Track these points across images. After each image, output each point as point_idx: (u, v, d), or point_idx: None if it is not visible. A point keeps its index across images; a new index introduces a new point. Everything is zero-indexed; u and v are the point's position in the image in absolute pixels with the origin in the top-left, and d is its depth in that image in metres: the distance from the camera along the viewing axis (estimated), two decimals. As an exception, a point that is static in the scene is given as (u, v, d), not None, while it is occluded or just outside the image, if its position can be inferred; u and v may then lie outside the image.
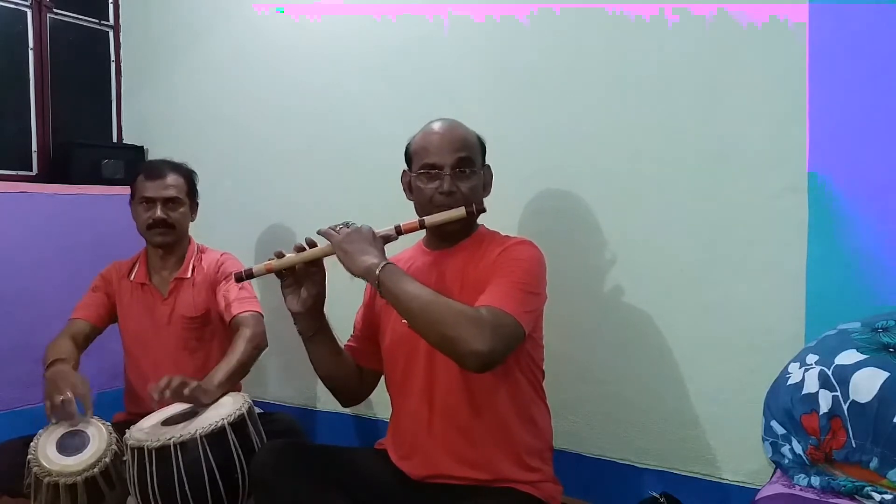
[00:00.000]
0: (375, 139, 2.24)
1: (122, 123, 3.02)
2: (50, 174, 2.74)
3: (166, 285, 2.09)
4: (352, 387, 1.60)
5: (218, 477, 1.56)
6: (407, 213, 1.55)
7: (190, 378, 1.69)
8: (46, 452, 1.66)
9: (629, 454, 1.84)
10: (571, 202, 1.87)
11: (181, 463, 1.53)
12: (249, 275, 1.46)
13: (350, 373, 1.58)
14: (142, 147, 2.92)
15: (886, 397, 0.98)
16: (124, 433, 1.65)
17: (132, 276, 2.11)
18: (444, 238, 1.53)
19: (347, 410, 2.04)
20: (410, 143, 1.55)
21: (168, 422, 1.65)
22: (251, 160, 2.60)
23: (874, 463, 0.99)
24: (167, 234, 2.04)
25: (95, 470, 1.64)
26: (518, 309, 1.31)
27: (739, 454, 1.67)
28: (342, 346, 1.59)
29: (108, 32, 2.99)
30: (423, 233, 1.56)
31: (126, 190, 2.15)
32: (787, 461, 1.11)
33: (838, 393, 1.02)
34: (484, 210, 1.48)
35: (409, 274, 1.38)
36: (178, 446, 1.54)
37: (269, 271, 1.43)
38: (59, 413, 1.72)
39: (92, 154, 2.77)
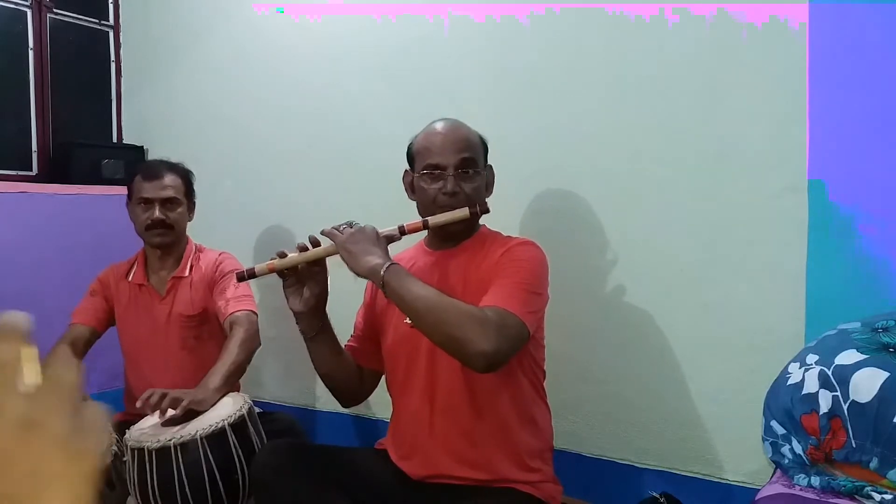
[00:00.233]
0: (375, 139, 2.24)
1: (122, 123, 3.02)
2: (50, 174, 2.74)
3: (164, 285, 2.08)
4: (352, 387, 1.60)
5: (218, 478, 1.56)
6: (408, 213, 1.55)
7: (179, 390, 1.69)
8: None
9: (629, 454, 1.84)
10: (572, 202, 1.87)
11: (181, 464, 1.53)
12: (252, 274, 1.46)
13: (351, 373, 1.58)
14: (142, 147, 2.92)
15: (886, 397, 0.98)
16: (124, 433, 1.65)
17: (130, 277, 2.11)
18: (446, 238, 1.53)
19: (347, 410, 2.03)
20: (413, 144, 1.55)
21: (168, 422, 1.65)
22: (251, 160, 2.60)
23: (874, 463, 0.99)
24: (166, 235, 2.03)
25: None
26: (522, 309, 1.31)
27: (739, 454, 1.68)
28: (343, 346, 1.59)
29: (108, 32, 2.99)
30: (424, 233, 1.56)
31: (126, 190, 2.15)
32: (787, 461, 1.11)
33: (838, 393, 1.02)
34: (487, 210, 1.48)
35: (411, 273, 1.38)
36: (178, 447, 1.54)
37: (271, 271, 1.43)
38: None
39: (92, 154, 2.77)
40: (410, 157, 1.55)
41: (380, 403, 2.14)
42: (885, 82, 1.47)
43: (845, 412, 1.01)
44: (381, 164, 2.09)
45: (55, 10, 2.79)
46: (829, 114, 1.52)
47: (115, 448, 1.70)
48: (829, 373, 1.05)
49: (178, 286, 2.07)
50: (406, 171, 1.58)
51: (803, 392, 1.07)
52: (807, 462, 1.07)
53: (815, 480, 1.04)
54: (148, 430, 1.63)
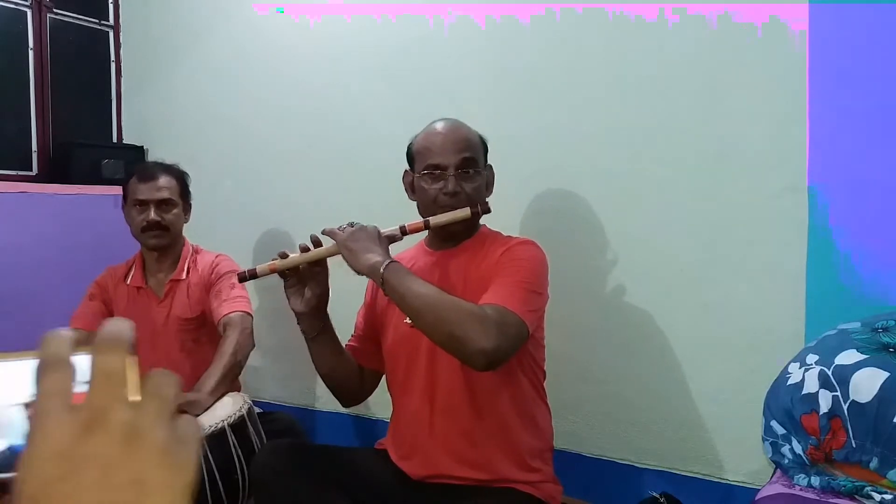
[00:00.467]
0: (375, 139, 2.24)
1: (122, 123, 3.02)
2: (50, 174, 2.74)
3: (162, 287, 2.08)
4: (353, 387, 1.60)
5: (218, 478, 1.56)
6: (408, 213, 1.55)
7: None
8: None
9: (629, 454, 1.84)
10: (572, 202, 1.87)
11: (181, 463, 1.53)
12: (253, 275, 1.46)
13: (351, 373, 1.58)
14: (142, 147, 2.92)
15: (886, 397, 0.98)
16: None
17: (128, 280, 2.10)
18: (447, 238, 1.53)
19: (347, 410, 2.03)
20: (413, 144, 1.55)
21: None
22: (251, 160, 2.60)
23: (874, 463, 0.99)
24: (162, 237, 2.03)
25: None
26: (522, 308, 1.32)
27: (739, 454, 1.68)
28: (344, 346, 1.59)
29: (108, 32, 2.99)
30: (425, 233, 1.56)
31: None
32: (787, 461, 1.11)
33: (838, 393, 1.02)
34: (488, 210, 1.48)
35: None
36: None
37: (272, 271, 1.43)
38: None
39: (92, 154, 2.77)
40: (410, 157, 1.55)
41: (379, 403, 2.14)
42: (885, 82, 1.47)
43: (845, 412, 1.01)
44: (382, 165, 2.09)
45: (55, 10, 2.79)
46: (829, 114, 1.52)
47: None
48: (829, 373, 1.05)
49: (176, 289, 2.07)
50: (406, 171, 1.58)
51: (803, 392, 1.07)
52: (807, 462, 1.07)
53: (815, 480, 1.05)
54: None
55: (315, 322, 1.48)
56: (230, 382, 1.88)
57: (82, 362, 0.37)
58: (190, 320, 2.05)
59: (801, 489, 1.06)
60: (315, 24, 2.40)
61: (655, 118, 1.75)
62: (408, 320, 1.39)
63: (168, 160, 2.15)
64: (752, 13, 1.61)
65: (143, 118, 2.97)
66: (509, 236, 1.55)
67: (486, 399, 1.45)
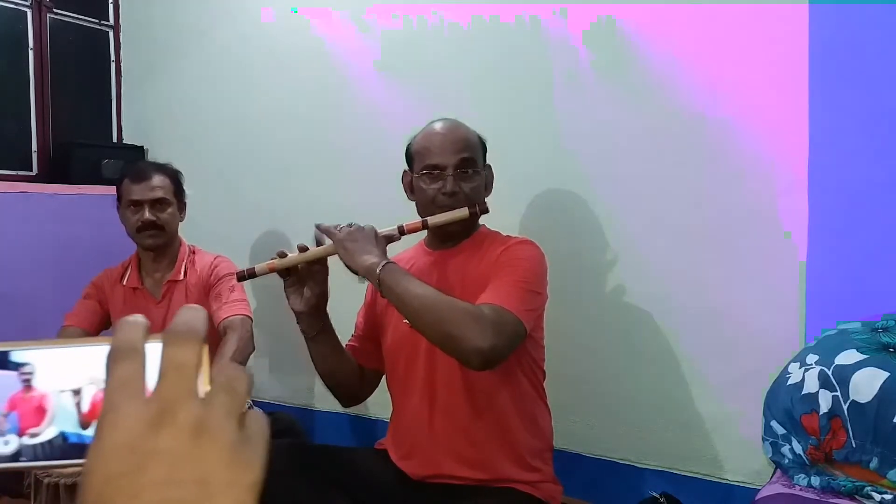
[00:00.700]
0: (376, 139, 2.24)
1: (122, 123, 3.02)
2: (50, 174, 2.74)
3: (159, 288, 2.08)
4: (353, 386, 1.60)
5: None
6: (407, 213, 1.55)
7: None
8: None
9: (629, 454, 1.84)
10: (571, 202, 1.87)
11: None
12: (252, 274, 1.46)
13: (351, 372, 1.58)
14: (142, 147, 2.92)
15: (886, 397, 0.98)
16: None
17: (124, 281, 2.10)
18: (445, 238, 1.53)
19: (347, 410, 2.03)
20: (412, 144, 1.55)
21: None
22: (251, 160, 2.59)
23: (874, 463, 0.99)
24: (157, 237, 2.02)
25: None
26: (519, 307, 1.31)
27: (739, 454, 1.67)
28: (344, 346, 1.59)
29: (108, 32, 2.98)
30: (424, 233, 1.56)
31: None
32: (787, 461, 1.11)
33: (838, 393, 1.02)
34: (487, 210, 1.48)
35: (410, 273, 1.38)
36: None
37: (271, 270, 1.43)
38: None
39: (92, 154, 2.77)
40: (409, 157, 1.55)
41: (379, 403, 2.14)
42: (885, 82, 1.47)
43: (845, 412, 1.01)
44: (381, 165, 2.09)
45: (55, 10, 2.79)
46: (829, 114, 1.52)
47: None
48: (829, 373, 1.04)
49: (174, 290, 2.06)
50: (405, 171, 1.58)
51: (803, 392, 1.07)
52: (807, 462, 1.07)
53: (815, 480, 1.04)
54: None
55: (315, 321, 1.48)
56: None
57: (154, 352, 0.36)
58: None
59: (801, 489, 1.06)
60: (315, 25, 2.40)
61: (655, 117, 1.75)
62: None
63: (168, 160, 2.15)
64: (753, 13, 1.61)
65: (143, 118, 2.97)
66: (508, 236, 1.55)
67: (486, 399, 1.45)
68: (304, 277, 1.45)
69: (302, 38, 2.43)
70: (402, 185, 1.60)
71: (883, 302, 1.44)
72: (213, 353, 2.05)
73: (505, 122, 1.94)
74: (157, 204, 2.01)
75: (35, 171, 2.73)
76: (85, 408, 0.41)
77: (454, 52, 2.09)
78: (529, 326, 1.35)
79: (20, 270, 2.48)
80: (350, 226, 1.40)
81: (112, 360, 0.36)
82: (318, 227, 1.42)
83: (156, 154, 2.68)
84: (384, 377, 1.62)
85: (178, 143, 2.73)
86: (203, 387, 0.36)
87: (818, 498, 1.03)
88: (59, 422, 0.41)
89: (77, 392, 0.41)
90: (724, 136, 1.66)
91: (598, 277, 1.85)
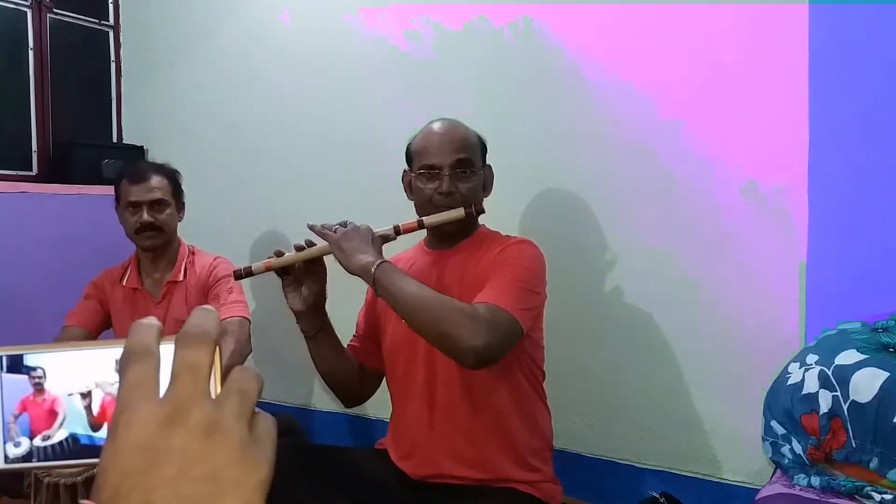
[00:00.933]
0: (376, 139, 2.24)
1: (122, 123, 3.02)
2: (50, 174, 2.74)
3: (159, 289, 2.08)
4: (354, 386, 1.60)
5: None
6: (407, 214, 1.55)
7: None
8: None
9: (629, 454, 1.84)
10: (572, 202, 1.87)
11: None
12: (249, 273, 1.46)
13: (352, 372, 1.58)
14: (142, 147, 2.92)
15: (886, 397, 0.98)
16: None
17: (124, 282, 2.09)
18: (443, 238, 1.53)
19: (346, 410, 2.03)
20: (411, 144, 1.55)
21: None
22: (251, 160, 2.60)
23: (874, 463, 0.99)
24: (156, 237, 2.02)
25: (95, 470, 1.64)
26: (515, 306, 1.31)
27: (739, 454, 1.67)
28: (344, 346, 1.59)
29: (108, 32, 2.99)
30: (424, 233, 1.56)
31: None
32: (787, 461, 1.11)
33: (838, 393, 1.02)
34: (483, 211, 1.48)
35: (410, 274, 1.38)
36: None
37: (268, 269, 1.43)
38: None
39: (92, 154, 2.77)
40: (408, 156, 1.55)
41: (379, 403, 2.13)
42: (885, 82, 1.47)
43: (845, 412, 1.01)
44: (382, 165, 2.09)
45: (55, 10, 2.79)
46: (829, 114, 1.52)
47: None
48: (829, 373, 1.04)
49: (174, 290, 2.06)
50: (405, 171, 1.58)
51: (803, 392, 1.07)
52: (807, 462, 1.07)
53: (815, 480, 1.04)
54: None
55: (314, 321, 1.48)
56: None
57: (166, 353, 0.37)
58: None
59: (801, 489, 1.06)
60: (314, 25, 2.40)
61: (655, 117, 1.75)
62: (404, 320, 1.38)
63: (168, 160, 2.15)
64: (752, 13, 1.61)
65: (143, 118, 2.97)
66: (508, 236, 1.55)
67: (486, 399, 1.45)
68: (302, 276, 1.45)
69: (302, 38, 2.43)
70: (402, 186, 1.60)
71: (883, 302, 1.44)
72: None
73: (505, 121, 1.94)
74: (155, 205, 2.01)
75: (35, 171, 2.73)
76: (95, 410, 0.42)
77: (455, 53, 2.09)
78: (526, 326, 1.34)
79: (20, 270, 2.48)
80: (345, 225, 1.40)
81: (126, 362, 0.37)
82: (310, 227, 1.42)
83: (156, 154, 2.68)
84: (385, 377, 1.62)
85: (178, 143, 2.73)
86: (215, 388, 0.37)
87: (818, 498, 1.03)
88: (70, 424, 0.42)
89: (87, 395, 0.42)
90: (725, 135, 1.66)
91: (597, 278, 1.85)
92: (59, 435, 0.42)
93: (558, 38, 1.89)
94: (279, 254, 1.44)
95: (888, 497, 0.97)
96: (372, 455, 1.58)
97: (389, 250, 1.44)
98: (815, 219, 1.54)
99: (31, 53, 2.71)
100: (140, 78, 2.97)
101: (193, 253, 2.13)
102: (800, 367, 1.11)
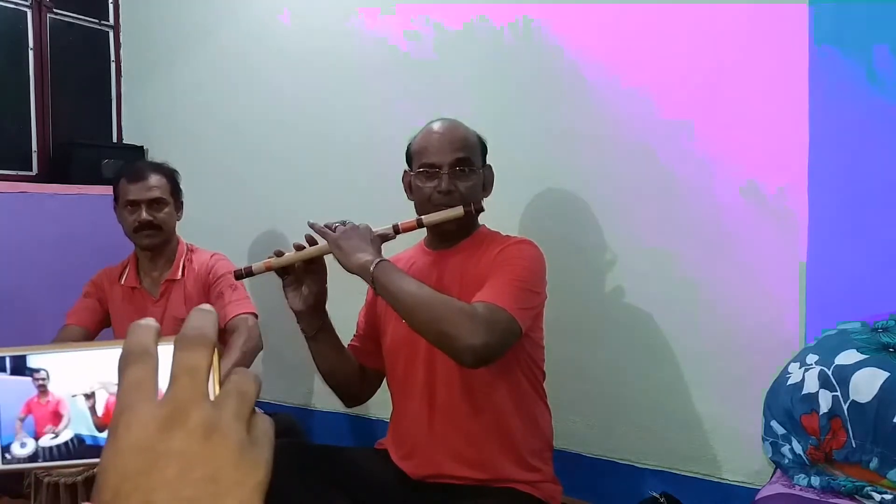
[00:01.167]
0: (376, 139, 2.24)
1: (122, 123, 3.02)
2: (50, 174, 2.74)
3: (157, 287, 2.08)
4: (354, 386, 1.60)
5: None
6: (406, 214, 1.55)
7: None
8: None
9: (629, 454, 1.84)
10: (572, 202, 1.87)
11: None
12: (249, 272, 1.46)
13: (353, 372, 1.58)
14: (142, 147, 2.92)
15: (886, 397, 0.98)
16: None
17: (123, 281, 2.10)
18: (443, 237, 1.53)
19: (346, 410, 2.03)
20: (411, 143, 1.55)
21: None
22: (251, 160, 2.60)
23: (874, 463, 0.99)
24: (155, 236, 2.02)
25: (95, 470, 1.64)
26: (514, 305, 1.31)
27: (739, 454, 1.67)
28: (345, 346, 1.59)
29: (108, 32, 2.99)
30: (424, 233, 1.56)
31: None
32: (787, 461, 1.11)
33: (838, 393, 1.02)
34: (482, 209, 1.48)
35: (410, 273, 1.39)
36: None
37: (268, 269, 1.44)
38: None
39: (92, 154, 2.77)
40: (409, 156, 1.56)
41: (379, 403, 2.14)
42: (884, 82, 1.46)
43: (845, 412, 1.01)
44: (381, 165, 2.09)
45: (55, 10, 2.79)
46: (829, 114, 1.52)
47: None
48: (829, 373, 1.04)
49: (172, 289, 2.06)
50: (405, 171, 1.58)
51: (803, 392, 1.07)
52: (807, 462, 1.07)
53: (815, 480, 1.04)
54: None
55: (314, 321, 1.48)
56: None
57: (165, 354, 0.37)
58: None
59: (801, 489, 1.06)
60: (314, 25, 2.40)
61: (655, 118, 1.75)
62: (403, 320, 1.38)
63: (168, 160, 2.15)
64: (752, 13, 1.61)
65: (143, 118, 2.97)
66: (508, 236, 1.55)
67: (486, 399, 1.45)
68: (302, 276, 1.45)
69: (302, 38, 2.43)
70: (401, 186, 1.60)
71: (883, 302, 1.44)
72: (222, 352, 2.07)
73: (505, 121, 1.94)
74: (154, 203, 2.01)
75: (35, 171, 2.73)
76: (100, 411, 0.42)
77: (455, 53, 2.09)
78: (525, 325, 1.34)
79: (20, 270, 2.48)
80: (344, 224, 1.40)
81: (125, 363, 0.37)
82: (311, 225, 1.42)
83: (156, 154, 2.68)
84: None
85: (178, 143, 2.73)
86: (214, 389, 0.38)
87: (818, 498, 1.03)
88: (75, 425, 0.42)
89: (90, 396, 0.42)
90: (725, 135, 1.66)
91: (597, 278, 1.85)
92: (64, 435, 0.42)
93: (558, 38, 1.89)
94: (279, 253, 1.44)
95: (888, 497, 0.97)
96: (372, 455, 1.58)
97: (389, 250, 1.44)
98: (815, 219, 1.54)
99: (31, 53, 2.71)
100: (140, 78, 2.97)
101: (192, 251, 2.13)
102: (800, 367, 1.11)
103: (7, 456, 0.42)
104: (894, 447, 0.97)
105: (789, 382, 1.11)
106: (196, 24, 2.75)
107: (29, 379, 0.42)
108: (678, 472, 1.76)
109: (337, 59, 2.34)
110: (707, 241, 1.69)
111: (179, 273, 2.07)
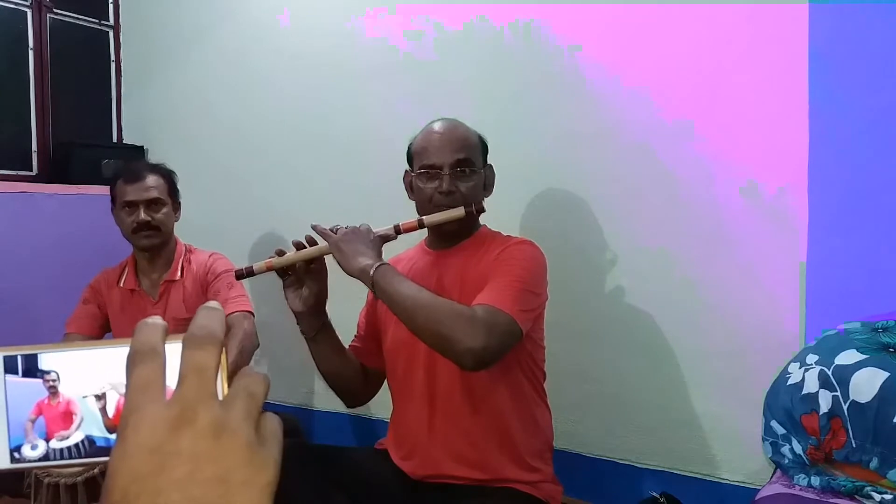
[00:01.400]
0: (376, 139, 2.24)
1: (122, 123, 3.02)
2: (50, 174, 2.74)
3: (156, 288, 2.07)
4: (356, 387, 1.59)
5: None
6: (407, 214, 1.55)
7: None
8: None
9: (629, 454, 1.84)
10: (572, 203, 1.87)
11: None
12: (250, 272, 1.46)
13: (354, 372, 1.58)
14: (142, 147, 2.92)
15: (886, 397, 0.98)
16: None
17: (121, 283, 2.09)
18: (444, 238, 1.53)
19: (346, 410, 2.03)
20: (412, 144, 1.55)
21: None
22: (251, 160, 2.60)
23: (874, 463, 0.99)
24: (153, 237, 2.01)
25: (95, 470, 1.65)
26: (514, 307, 1.31)
27: (739, 454, 1.68)
28: (345, 346, 1.59)
29: (108, 32, 2.99)
30: (425, 233, 1.56)
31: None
32: (787, 461, 1.11)
33: (838, 393, 1.02)
34: (483, 210, 1.48)
35: (410, 274, 1.38)
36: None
37: (269, 269, 1.44)
38: None
39: (92, 154, 2.77)
40: (409, 157, 1.55)
41: (379, 403, 2.13)
42: (885, 82, 1.47)
43: (845, 412, 1.01)
44: (382, 166, 2.09)
45: (55, 10, 2.79)
46: (829, 114, 1.52)
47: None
48: (829, 373, 1.05)
49: (171, 290, 2.06)
50: (406, 171, 1.58)
51: (803, 392, 1.07)
52: (807, 462, 1.07)
53: (815, 480, 1.04)
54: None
55: (314, 321, 1.48)
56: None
57: (172, 352, 0.37)
58: (186, 321, 2.01)
59: (801, 489, 1.06)
60: (314, 26, 2.40)
61: (655, 118, 1.75)
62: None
63: (168, 160, 2.15)
64: (752, 13, 1.61)
65: (143, 118, 2.97)
66: (509, 236, 1.54)
67: (486, 399, 1.45)
68: (303, 277, 1.45)
69: (302, 38, 2.43)
70: (402, 186, 1.60)
71: (883, 302, 1.44)
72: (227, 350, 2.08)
73: (505, 121, 1.94)
74: (151, 204, 2.01)
75: (35, 171, 2.73)
76: (111, 412, 0.42)
77: (455, 54, 2.09)
78: (525, 327, 1.34)
79: (20, 270, 2.48)
80: (346, 227, 1.40)
81: (132, 362, 0.37)
82: (314, 227, 1.43)
83: (156, 154, 2.68)
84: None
85: (177, 143, 2.73)
86: (222, 388, 0.38)
87: (818, 498, 1.03)
88: (86, 426, 0.42)
89: (101, 397, 0.42)
90: (725, 135, 1.66)
91: (597, 277, 1.85)
92: (75, 437, 0.42)
93: (558, 38, 1.89)
94: (280, 253, 1.44)
95: (888, 497, 0.97)
96: (372, 455, 1.58)
97: (390, 250, 1.44)
98: (815, 219, 1.54)
99: (31, 53, 2.71)
100: (140, 78, 2.97)
101: (190, 251, 2.13)
102: (800, 367, 1.11)
103: (16, 456, 0.42)
104: (894, 447, 0.97)
105: (789, 382, 1.11)
106: (196, 25, 2.75)
107: (40, 381, 0.42)
108: (678, 472, 1.76)
109: (337, 59, 2.34)
110: (707, 241, 1.69)
111: (178, 274, 2.07)
